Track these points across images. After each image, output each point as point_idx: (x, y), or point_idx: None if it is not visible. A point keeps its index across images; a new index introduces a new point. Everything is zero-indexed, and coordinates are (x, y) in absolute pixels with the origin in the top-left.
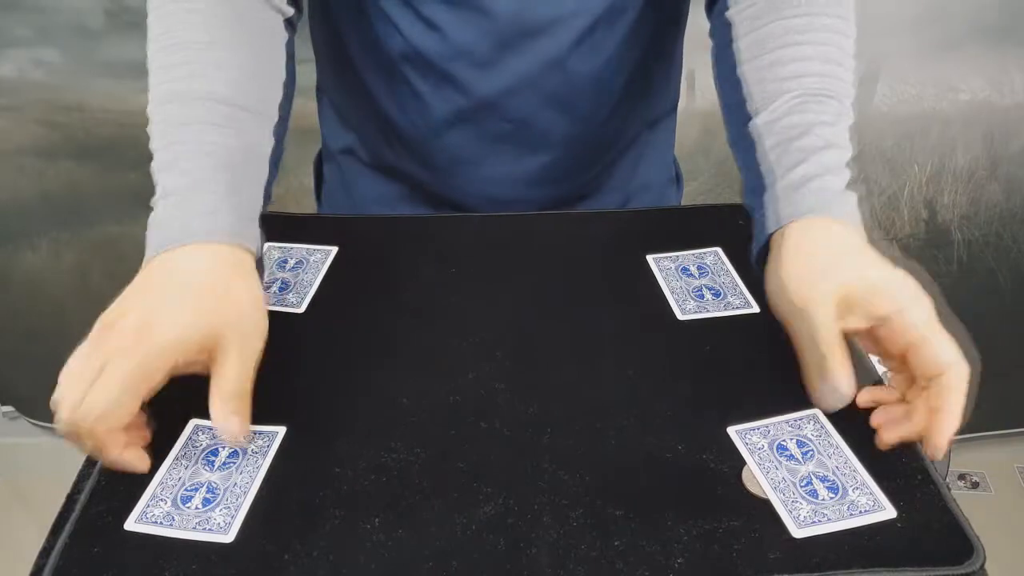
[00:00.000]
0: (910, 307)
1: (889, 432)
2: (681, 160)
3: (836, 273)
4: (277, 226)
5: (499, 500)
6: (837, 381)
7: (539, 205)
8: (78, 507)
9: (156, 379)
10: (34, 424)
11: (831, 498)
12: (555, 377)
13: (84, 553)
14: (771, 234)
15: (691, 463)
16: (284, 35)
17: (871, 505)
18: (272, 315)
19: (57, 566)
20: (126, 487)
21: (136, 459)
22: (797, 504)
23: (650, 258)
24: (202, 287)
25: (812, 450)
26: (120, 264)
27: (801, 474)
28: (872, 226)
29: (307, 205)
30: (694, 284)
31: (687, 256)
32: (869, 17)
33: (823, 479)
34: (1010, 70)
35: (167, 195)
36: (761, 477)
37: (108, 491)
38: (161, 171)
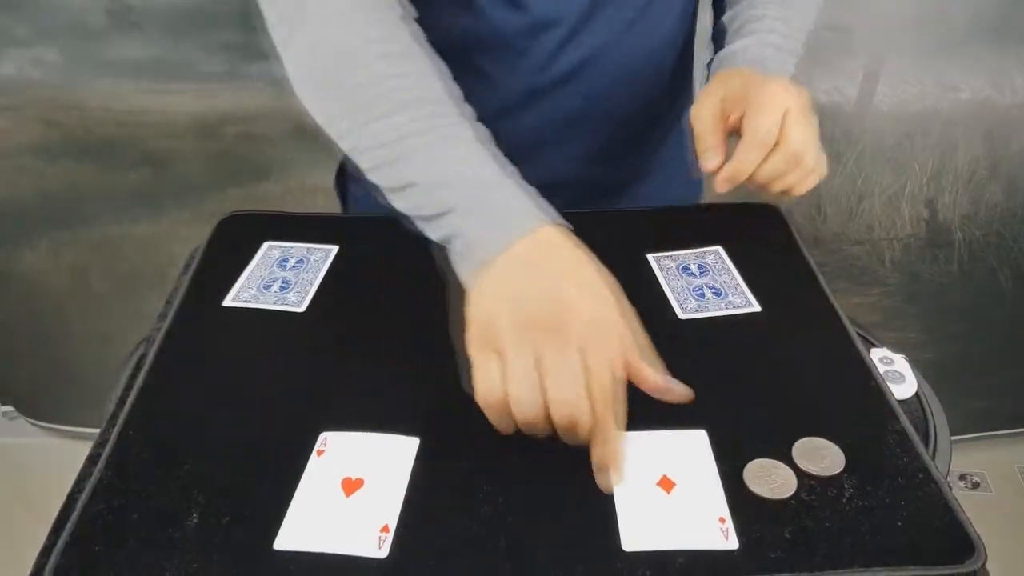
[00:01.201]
0: (751, 96)
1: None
2: None
3: (723, 86)
4: (278, 226)
5: (500, 499)
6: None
7: (590, 184)
8: (78, 507)
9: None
10: (34, 424)
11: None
12: None
13: (84, 553)
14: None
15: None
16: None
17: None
18: (272, 315)
19: (57, 566)
20: (127, 486)
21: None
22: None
23: (651, 257)
24: (587, 265)
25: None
26: (120, 264)
27: (695, 284)
28: (872, 225)
29: (307, 205)
30: (695, 283)
31: (688, 255)
32: (869, 17)
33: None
34: (1011, 70)
35: (482, 185)
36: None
37: (109, 490)
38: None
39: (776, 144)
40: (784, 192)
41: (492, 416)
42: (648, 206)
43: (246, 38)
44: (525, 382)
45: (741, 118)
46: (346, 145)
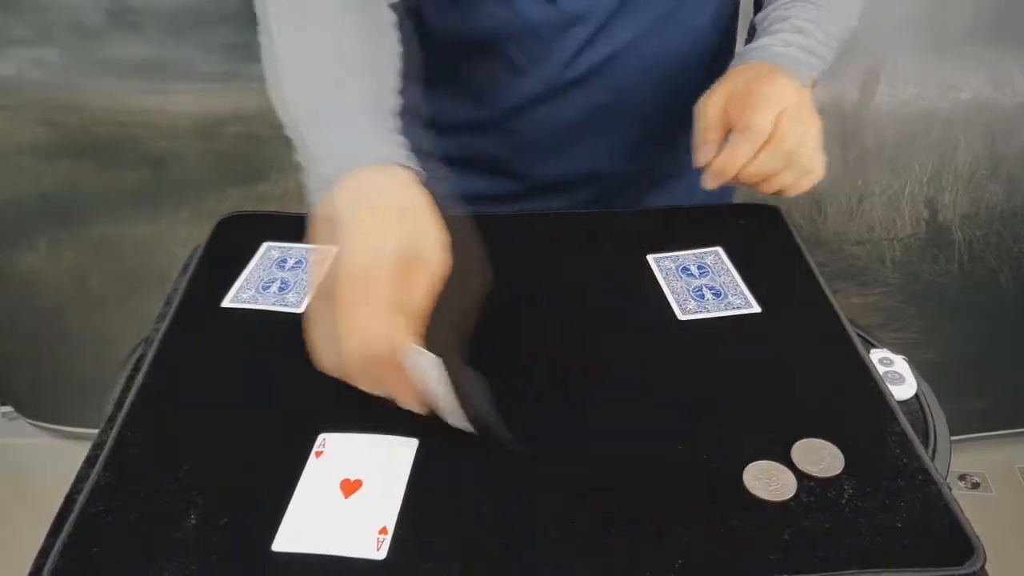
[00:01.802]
0: (762, 89)
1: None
2: None
3: (730, 82)
4: (277, 226)
5: (499, 500)
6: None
7: (627, 176)
8: (77, 508)
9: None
10: (34, 424)
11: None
12: (555, 377)
13: (83, 553)
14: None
15: (692, 463)
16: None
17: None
18: (271, 315)
19: (55, 566)
20: (126, 487)
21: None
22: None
23: (651, 258)
24: (392, 201)
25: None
26: (119, 264)
27: (695, 285)
28: (872, 225)
29: (307, 205)
30: (694, 284)
31: (688, 256)
32: (869, 17)
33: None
34: (1011, 69)
35: (322, 123)
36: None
37: (107, 491)
38: (307, 113)
39: (768, 140)
40: (778, 193)
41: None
42: (648, 206)
43: (246, 38)
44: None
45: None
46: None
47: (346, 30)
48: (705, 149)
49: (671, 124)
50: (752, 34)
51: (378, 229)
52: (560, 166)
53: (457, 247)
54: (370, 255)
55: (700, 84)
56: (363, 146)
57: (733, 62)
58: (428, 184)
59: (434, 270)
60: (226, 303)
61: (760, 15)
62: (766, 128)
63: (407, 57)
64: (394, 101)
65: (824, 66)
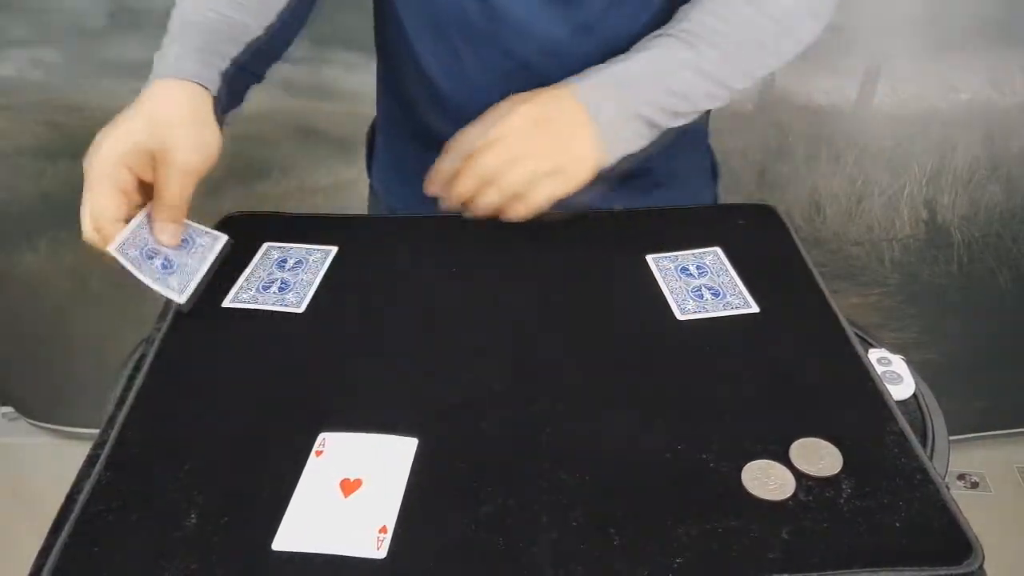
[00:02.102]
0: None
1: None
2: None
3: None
4: (277, 226)
5: (499, 500)
6: None
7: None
8: (78, 507)
9: (124, 179)
10: (34, 424)
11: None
12: (555, 377)
13: (84, 553)
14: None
15: (691, 463)
16: None
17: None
18: (271, 316)
19: (56, 566)
20: (126, 486)
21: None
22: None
23: (649, 258)
24: (151, 108)
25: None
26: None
27: (693, 285)
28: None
29: (307, 205)
30: (693, 284)
31: (686, 256)
32: (869, 17)
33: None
34: (1010, 70)
35: (158, 49)
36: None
37: (108, 491)
38: (166, 35)
39: (468, 159)
40: (494, 215)
41: None
42: (647, 207)
43: None
44: None
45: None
46: None
47: None
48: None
49: None
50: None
51: (124, 120)
52: None
53: None
54: (104, 137)
55: None
56: (161, 67)
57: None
58: (216, 99)
59: (180, 166)
60: (226, 303)
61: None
62: (465, 147)
63: None
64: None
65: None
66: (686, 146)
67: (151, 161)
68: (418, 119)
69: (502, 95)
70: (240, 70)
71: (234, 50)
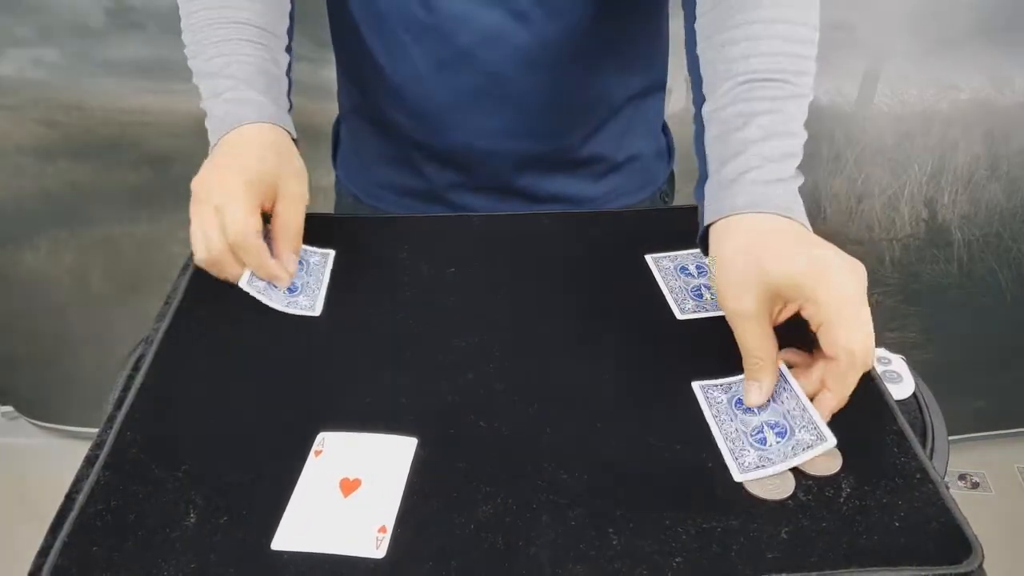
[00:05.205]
0: (817, 294)
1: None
2: (682, 158)
3: (758, 277)
4: None
5: (498, 500)
6: (748, 392)
7: (519, 157)
8: (77, 506)
9: (255, 202)
10: (34, 424)
11: (778, 442)
12: (554, 377)
13: (83, 552)
14: (708, 226)
15: (690, 463)
16: None
17: (814, 439)
18: (272, 315)
19: (56, 565)
20: (126, 486)
21: (277, 267)
22: (744, 452)
23: (649, 258)
24: (261, 144)
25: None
26: (120, 264)
27: (753, 425)
28: (871, 225)
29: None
30: (693, 283)
31: (686, 255)
32: (869, 17)
33: (774, 426)
34: (1011, 69)
35: (219, 94)
36: (715, 428)
37: (106, 491)
38: (209, 77)
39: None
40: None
41: None
42: (647, 207)
43: None
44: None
45: (798, 313)
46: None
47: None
48: (763, 385)
49: (556, 111)
50: (701, 134)
51: (233, 156)
52: (459, 136)
53: None
54: (218, 171)
55: (589, 77)
56: (245, 112)
57: (707, 203)
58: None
59: (300, 196)
60: (243, 284)
61: (709, 107)
62: (870, 355)
63: None
64: (283, 58)
65: (797, 162)
66: (639, 132)
67: (273, 192)
68: (375, 106)
69: (449, 84)
70: (290, 104)
71: (284, 84)
